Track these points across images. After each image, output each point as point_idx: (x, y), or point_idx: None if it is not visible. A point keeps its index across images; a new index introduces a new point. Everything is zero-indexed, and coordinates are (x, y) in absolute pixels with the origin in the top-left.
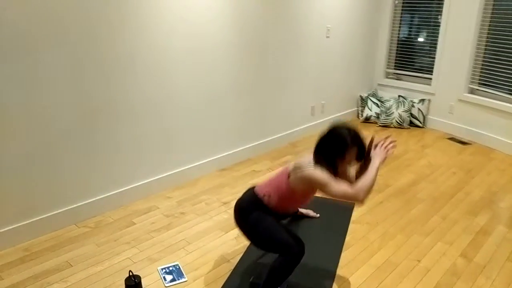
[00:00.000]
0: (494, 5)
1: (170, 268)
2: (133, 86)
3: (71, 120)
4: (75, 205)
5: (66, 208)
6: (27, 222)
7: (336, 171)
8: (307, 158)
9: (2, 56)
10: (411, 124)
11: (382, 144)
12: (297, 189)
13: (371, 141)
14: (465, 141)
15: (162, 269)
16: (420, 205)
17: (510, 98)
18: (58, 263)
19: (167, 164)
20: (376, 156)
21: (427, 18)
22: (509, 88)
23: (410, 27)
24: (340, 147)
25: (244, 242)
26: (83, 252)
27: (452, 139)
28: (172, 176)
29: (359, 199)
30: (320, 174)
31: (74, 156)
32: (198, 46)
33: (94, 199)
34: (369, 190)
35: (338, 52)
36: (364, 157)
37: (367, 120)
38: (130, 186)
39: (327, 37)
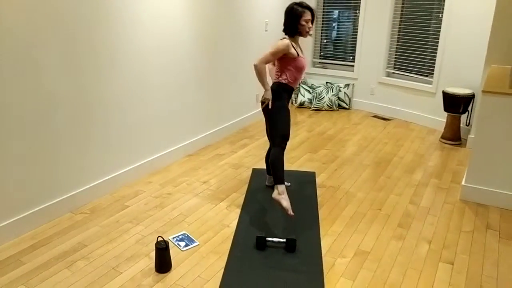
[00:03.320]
0: (403, 0)
1: (180, 237)
2: (116, 81)
3: (62, 115)
4: (69, 194)
5: (62, 198)
6: (28, 213)
7: (301, 34)
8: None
9: (2, 54)
10: (339, 106)
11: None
12: (281, 58)
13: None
14: (387, 117)
15: (173, 238)
16: (367, 169)
17: (420, 78)
18: (72, 244)
19: (143, 152)
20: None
21: (347, 12)
22: (418, 70)
23: (333, 21)
24: (295, 15)
25: (236, 210)
26: (91, 234)
27: (376, 116)
28: (148, 163)
29: (255, 65)
30: (278, 43)
31: (68, 147)
32: (165, 44)
33: (85, 187)
34: (257, 73)
35: None
36: (313, 20)
37: (301, 105)
38: (113, 175)
39: (266, 30)
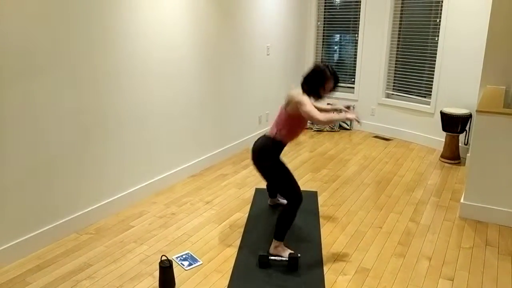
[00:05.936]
0: (400, 24)
1: (184, 256)
2: (120, 103)
3: (69, 137)
4: (74, 215)
5: (67, 218)
6: (34, 233)
7: (319, 97)
8: (296, 91)
9: (9, 78)
10: (341, 127)
11: (355, 114)
12: (292, 114)
13: (348, 107)
14: (387, 137)
15: (177, 257)
16: (368, 188)
17: (418, 99)
18: (77, 264)
19: (148, 173)
20: (347, 114)
21: (346, 36)
22: (417, 91)
23: (333, 44)
24: (322, 78)
25: (239, 229)
26: (96, 254)
27: (377, 137)
28: (153, 184)
29: (319, 122)
30: (304, 98)
31: (73, 169)
32: (169, 66)
33: (90, 208)
34: (328, 122)
35: (276, 68)
36: (335, 88)
37: None
38: (119, 195)
39: (268, 54)
